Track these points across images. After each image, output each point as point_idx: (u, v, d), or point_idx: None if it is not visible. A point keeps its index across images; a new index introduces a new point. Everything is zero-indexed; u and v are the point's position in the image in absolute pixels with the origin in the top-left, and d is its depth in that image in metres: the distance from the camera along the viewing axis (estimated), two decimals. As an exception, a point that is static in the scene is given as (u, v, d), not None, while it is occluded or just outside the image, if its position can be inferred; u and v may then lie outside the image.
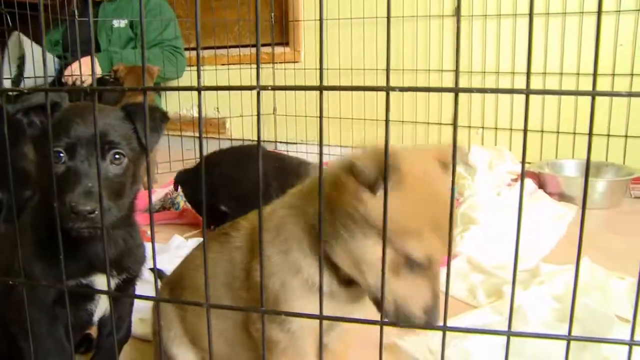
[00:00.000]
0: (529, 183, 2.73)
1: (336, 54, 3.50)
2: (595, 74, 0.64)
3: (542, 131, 3.12)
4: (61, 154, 0.96)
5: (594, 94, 0.63)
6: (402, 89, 0.72)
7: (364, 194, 0.78)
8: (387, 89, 0.69)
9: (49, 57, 3.24)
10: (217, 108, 4.05)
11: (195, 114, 4.20)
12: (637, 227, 2.34)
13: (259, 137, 0.76)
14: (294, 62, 3.84)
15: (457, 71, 0.70)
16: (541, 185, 2.78)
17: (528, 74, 0.65)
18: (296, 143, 3.74)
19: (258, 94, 0.74)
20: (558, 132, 3.09)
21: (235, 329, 1.04)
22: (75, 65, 3.11)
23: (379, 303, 0.80)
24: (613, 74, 2.89)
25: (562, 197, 2.67)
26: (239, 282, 1.00)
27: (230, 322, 1.05)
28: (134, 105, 1.05)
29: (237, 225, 1.09)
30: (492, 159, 2.89)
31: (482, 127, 3.31)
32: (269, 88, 0.75)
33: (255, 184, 1.99)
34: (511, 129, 3.22)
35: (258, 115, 0.75)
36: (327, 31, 3.53)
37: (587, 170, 0.67)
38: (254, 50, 3.80)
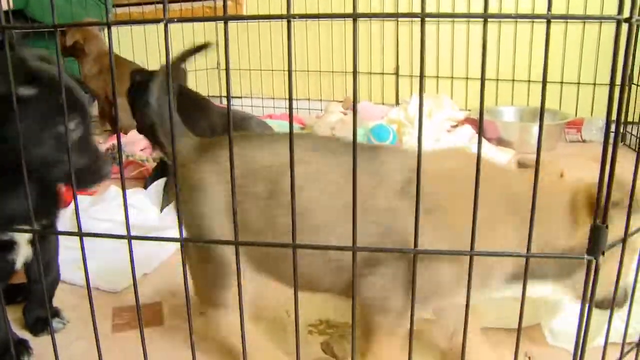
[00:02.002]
0: (468, 129, 2.79)
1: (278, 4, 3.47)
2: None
3: (483, 79, 3.18)
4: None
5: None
6: (302, 16, 0.73)
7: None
8: (288, 17, 0.71)
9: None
10: (163, 63, 4.00)
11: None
12: (568, 168, 2.44)
13: (168, 70, 0.77)
14: (237, 15, 3.80)
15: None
16: (480, 131, 2.84)
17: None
18: (241, 97, 3.72)
19: (165, 25, 0.75)
20: (497, 80, 3.16)
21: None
22: None
23: None
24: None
25: (500, 141, 2.75)
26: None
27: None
28: None
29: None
30: (431, 108, 2.94)
31: (424, 76, 3.34)
32: (175, 20, 0.76)
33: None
34: (452, 78, 3.28)
35: (166, 49, 0.76)
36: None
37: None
38: (195, 4, 3.77)
